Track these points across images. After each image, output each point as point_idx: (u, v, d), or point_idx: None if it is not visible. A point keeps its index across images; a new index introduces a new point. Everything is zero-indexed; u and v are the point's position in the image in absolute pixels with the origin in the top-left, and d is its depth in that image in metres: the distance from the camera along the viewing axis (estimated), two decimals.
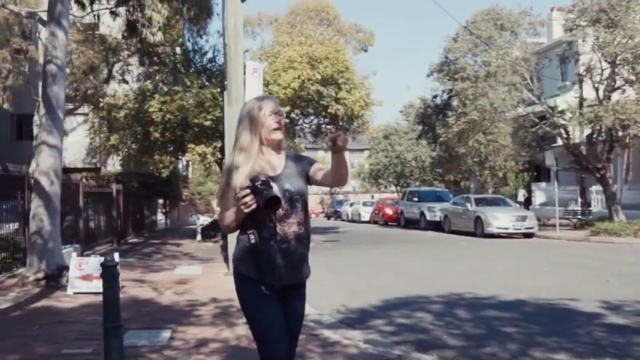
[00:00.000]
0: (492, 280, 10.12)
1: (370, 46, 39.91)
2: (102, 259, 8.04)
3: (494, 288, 9.02)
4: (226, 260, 13.49)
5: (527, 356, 5.32)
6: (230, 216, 2.87)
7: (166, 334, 5.93)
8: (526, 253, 15.25)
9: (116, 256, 8.69)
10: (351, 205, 43.66)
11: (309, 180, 2.96)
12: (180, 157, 24.61)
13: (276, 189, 2.77)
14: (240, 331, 5.97)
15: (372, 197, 49.08)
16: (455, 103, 24.03)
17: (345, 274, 11.49)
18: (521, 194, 29.31)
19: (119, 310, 4.52)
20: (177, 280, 10.18)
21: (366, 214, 38.32)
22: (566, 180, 27.41)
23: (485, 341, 5.90)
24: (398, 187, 48.24)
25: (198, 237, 20.85)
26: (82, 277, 8.43)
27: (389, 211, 33.49)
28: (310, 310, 6.57)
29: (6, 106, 24.51)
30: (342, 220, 42.51)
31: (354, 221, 39.41)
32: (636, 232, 17.53)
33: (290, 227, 2.82)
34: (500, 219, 20.77)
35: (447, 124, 24.22)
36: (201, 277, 10.78)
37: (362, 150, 60.13)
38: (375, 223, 35.32)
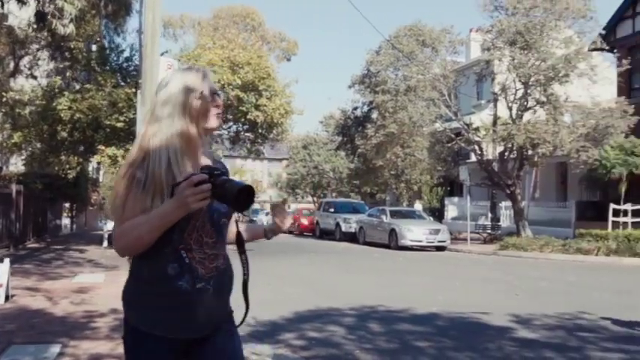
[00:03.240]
0: (405, 293, 10.06)
1: (294, 55, 39.85)
2: None
3: (407, 301, 8.93)
4: None
5: None
6: (150, 223, 1.88)
7: (55, 349, 5.38)
8: (438, 266, 15.43)
9: (6, 262, 7.98)
10: (267, 214, 43.30)
11: None
12: (89, 158, 23.47)
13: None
14: None
15: (289, 207, 48.79)
16: (374, 115, 24.23)
17: (256, 285, 10.96)
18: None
19: None
20: (75, 288, 9.50)
21: None
22: (477, 195, 28.20)
23: (398, 356, 5.74)
24: (315, 198, 48.31)
25: (105, 243, 19.90)
26: None
27: (304, 222, 33.40)
28: None
29: None
30: None
31: None
32: (542, 247, 18.17)
33: (212, 261, 2.02)
34: (414, 232, 21.03)
35: (366, 136, 24.39)
36: (103, 285, 10.13)
37: (280, 159, 59.94)
38: (291, 233, 35.07)
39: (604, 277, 12.66)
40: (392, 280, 12.32)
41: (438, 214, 30.91)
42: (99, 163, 27.92)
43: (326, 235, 28.36)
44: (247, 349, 5.76)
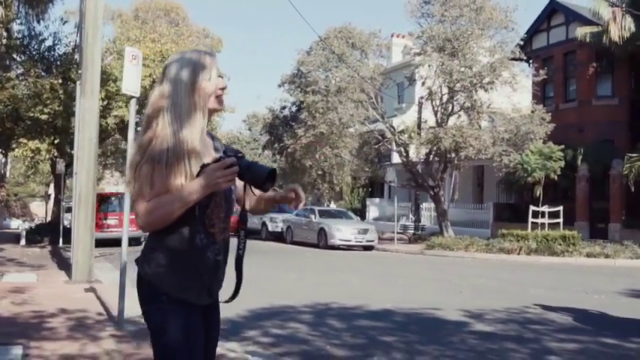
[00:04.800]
0: (353, 291, 10.20)
1: (218, 52, 39.17)
2: None
3: (357, 298, 9.04)
4: (61, 267, 12.28)
5: None
6: (182, 199, 2.03)
7: (17, 350, 5.08)
8: (374, 265, 15.70)
9: None
10: None
11: None
12: (2, 152, 22.19)
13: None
14: (108, 346, 5.31)
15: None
16: (303, 115, 24.28)
17: None
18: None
19: None
20: (10, 288, 8.97)
21: None
22: (399, 196, 28.92)
23: (370, 351, 5.82)
24: None
25: (23, 241, 18.91)
26: None
27: None
28: None
29: None
30: None
31: None
32: (467, 246, 18.86)
33: (222, 234, 2.23)
34: (343, 231, 21.22)
35: (296, 136, 24.43)
36: (39, 285, 9.65)
37: None
38: None
39: (532, 274, 13.32)
40: (333, 278, 12.43)
41: (359, 214, 31.39)
42: (7, 157, 26.46)
43: (251, 234, 28.00)
44: (219, 346, 5.69)
